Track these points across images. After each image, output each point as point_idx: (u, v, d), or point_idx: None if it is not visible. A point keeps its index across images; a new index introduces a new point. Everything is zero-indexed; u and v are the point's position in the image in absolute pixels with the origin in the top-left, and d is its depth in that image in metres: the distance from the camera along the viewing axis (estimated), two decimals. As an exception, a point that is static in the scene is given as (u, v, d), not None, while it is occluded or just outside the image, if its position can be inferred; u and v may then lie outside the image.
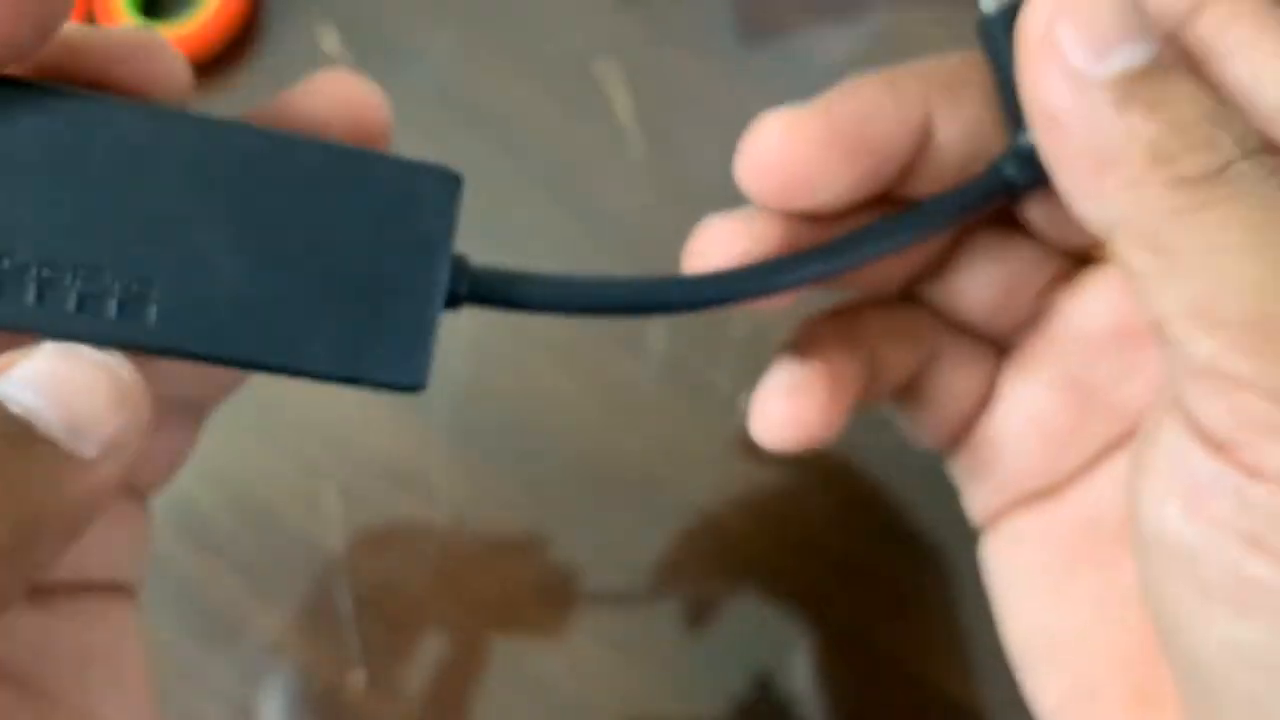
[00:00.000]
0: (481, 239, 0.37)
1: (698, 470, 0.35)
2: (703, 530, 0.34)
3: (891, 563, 0.34)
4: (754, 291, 0.20)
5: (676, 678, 0.33)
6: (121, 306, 0.16)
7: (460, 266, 0.18)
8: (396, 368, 0.17)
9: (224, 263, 0.16)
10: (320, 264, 0.16)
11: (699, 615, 0.34)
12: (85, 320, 0.16)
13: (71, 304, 0.16)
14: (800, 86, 0.39)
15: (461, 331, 0.36)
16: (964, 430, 0.26)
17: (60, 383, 0.15)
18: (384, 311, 0.16)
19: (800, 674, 0.33)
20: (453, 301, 0.18)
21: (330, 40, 0.39)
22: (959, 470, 0.27)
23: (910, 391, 0.25)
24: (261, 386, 0.23)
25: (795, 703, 0.33)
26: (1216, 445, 0.18)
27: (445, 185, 0.17)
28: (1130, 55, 0.17)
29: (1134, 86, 0.17)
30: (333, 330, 0.16)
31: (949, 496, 0.34)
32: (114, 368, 0.16)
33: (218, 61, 0.38)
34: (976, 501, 0.26)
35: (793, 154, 0.20)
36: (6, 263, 0.15)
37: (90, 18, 0.38)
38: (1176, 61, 0.18)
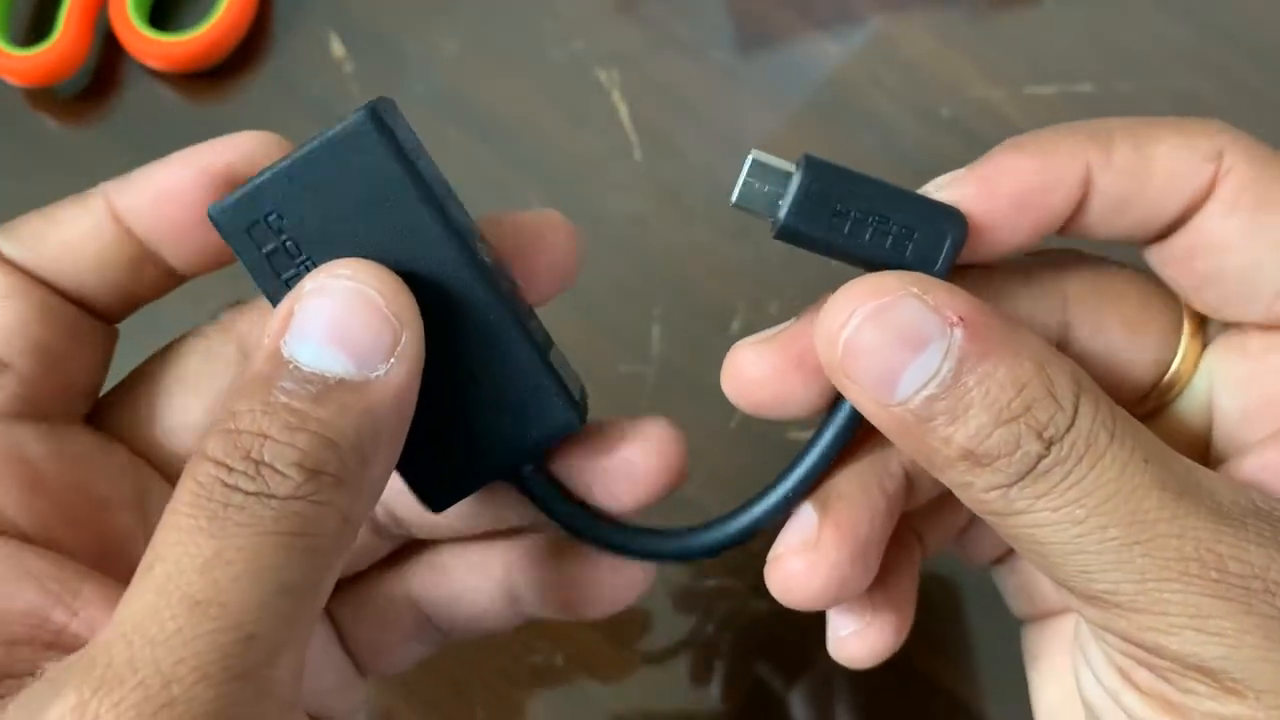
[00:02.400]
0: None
1: (696, 468, 0.35)
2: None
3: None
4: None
5: (673, 671, 0.33)
6: None
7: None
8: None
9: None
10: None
11: (697, 609, 0.34)
12: None
13: None
14: (796, 92, 0.39)
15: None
16: (1007, 552, 0.26)
17: (333, 325, 0.18)
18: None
19: (798, 668, 0.33)
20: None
21: (337, 47, 0.39)
22: (1000, 579, 0.27)
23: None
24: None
25: (793, 696, 0.33)
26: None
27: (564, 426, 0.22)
28: (917, 377, 0.18)
29: (932, 402, 0.18)
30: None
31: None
32: (366, 291, 0.18)
33: (227, 67, 0.39)
34: (1016, 604, 0.26)
35: (761, 381, 0.22)
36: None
37: (106, 29, 0.39)
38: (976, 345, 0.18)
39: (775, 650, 0.34)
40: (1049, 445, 0.18)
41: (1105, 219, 0.21)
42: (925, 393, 0.18)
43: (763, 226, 0.39)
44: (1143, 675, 0.19)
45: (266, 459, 0.17)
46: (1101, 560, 0.18)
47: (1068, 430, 0.18)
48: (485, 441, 0.21)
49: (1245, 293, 0.21)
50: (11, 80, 0.38)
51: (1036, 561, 0.19)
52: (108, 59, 0.39)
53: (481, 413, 0.21)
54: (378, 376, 0.18)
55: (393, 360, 0.18)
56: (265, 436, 0.17)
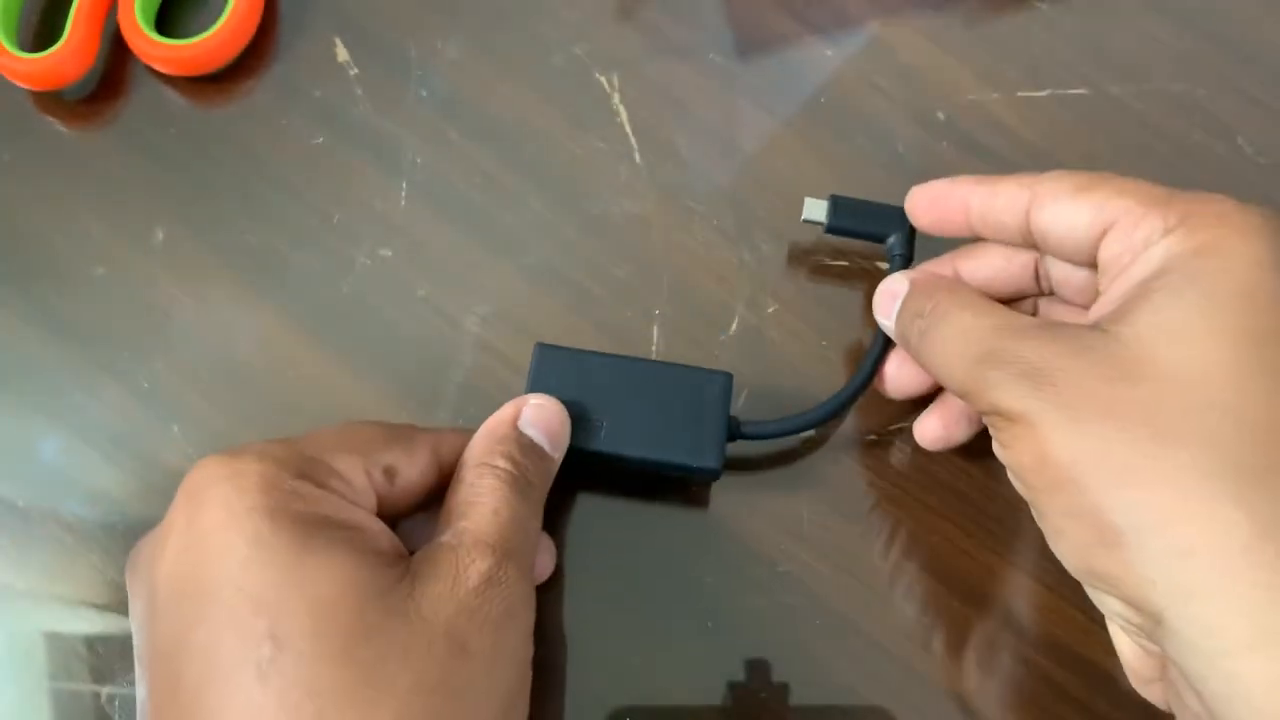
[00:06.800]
0: (484, 240, 0.37)
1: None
2: (701, 523, 0.35)
3: (882, 552, 0.35)
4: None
5: (677, 666, 0.33)
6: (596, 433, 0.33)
7: (735, 421, 0.34)
8: (709, 461, 0.33)
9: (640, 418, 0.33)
10: (677, 417, 0.33)
11: (698, 605, 0.34)
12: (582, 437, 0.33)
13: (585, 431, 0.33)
14: (794, 96, 0.39)
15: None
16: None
17: (544, 421, 0.32)
18: (702, 440, 0.33)
19: (798, 663, 0.34)
20: (731, 437, 0.34)
21: (341, 52, 0.40)
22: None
23: None
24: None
25: (792, 693, 0.33)
26: None
27: (727, 381, 0.33)
28: (893, 314, 0.33)
29: (898, 323, 0.33)
30: (685, 443, 0.33)
31: (936, 488, 0.35)
32: (559, 409, 0.32)
33: (233, 71, 0.39)
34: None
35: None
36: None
37: (114, 34, 0.39)
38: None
39: (775, 652, 0.34)
40: (922, 314, 0.31)
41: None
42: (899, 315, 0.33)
43: (760, 228, 0.39)
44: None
45: (531, 472, 0.31)
46: (956, 374, 0.29)
47: (931, 311, 0.31)
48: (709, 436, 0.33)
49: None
50: (20, 84, 0.38)
51: (939, 375, 0.31)
52: (115, 63, 0.39)
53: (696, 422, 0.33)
54: (556, 457, 0.32)
55: (557, 453, 0.32)
56: (528, 461, 0.31)
